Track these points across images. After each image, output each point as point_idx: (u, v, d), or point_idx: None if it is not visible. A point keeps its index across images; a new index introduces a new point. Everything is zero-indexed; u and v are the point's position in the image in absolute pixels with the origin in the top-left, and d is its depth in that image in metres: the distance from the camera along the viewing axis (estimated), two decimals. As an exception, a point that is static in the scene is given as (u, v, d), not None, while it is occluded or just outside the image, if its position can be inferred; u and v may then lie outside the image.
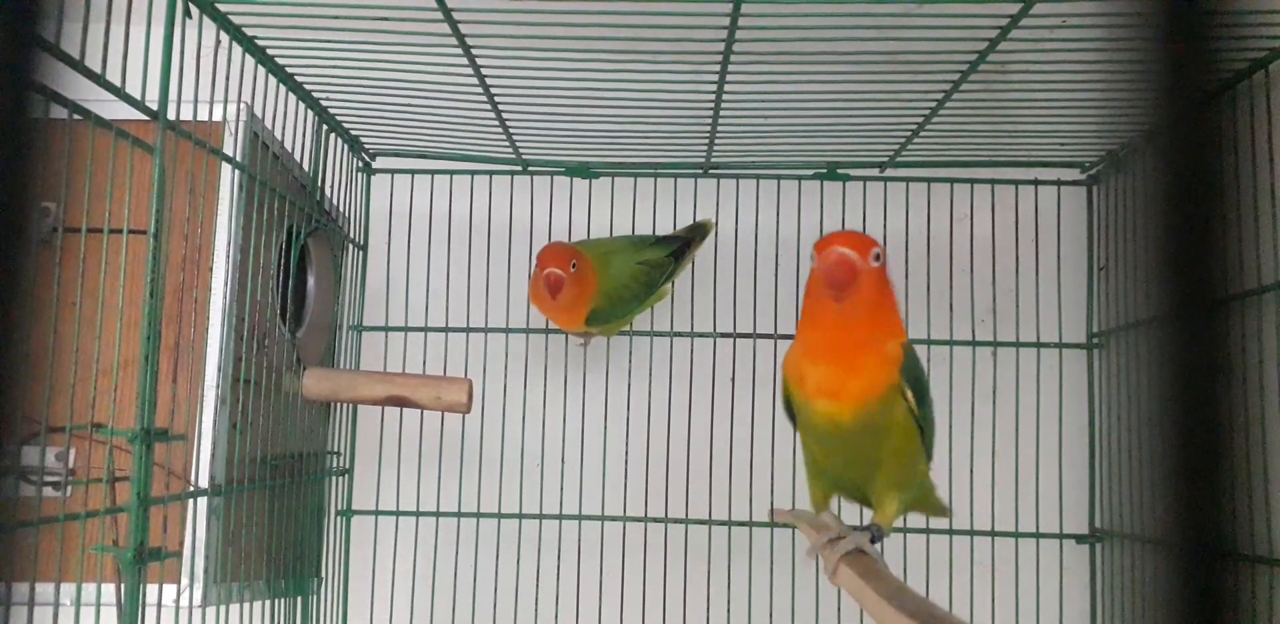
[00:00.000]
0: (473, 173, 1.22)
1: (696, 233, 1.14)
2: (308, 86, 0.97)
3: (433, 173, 1.22)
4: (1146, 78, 0.18)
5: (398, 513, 1.18)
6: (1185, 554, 0.18)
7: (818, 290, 0.69)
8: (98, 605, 0.76)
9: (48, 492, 0.80)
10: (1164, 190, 0.18)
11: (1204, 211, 0.18)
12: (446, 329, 1.20)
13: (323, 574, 1.09)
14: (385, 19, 0.78)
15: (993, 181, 1.17)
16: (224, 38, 0.81)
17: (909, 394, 0.70)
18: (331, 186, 1.09)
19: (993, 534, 1.13)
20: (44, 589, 0.73)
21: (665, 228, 1.18)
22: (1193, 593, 0.18)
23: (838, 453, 0.73)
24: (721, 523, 1.15)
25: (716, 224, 1.18)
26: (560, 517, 1.17)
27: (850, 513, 1.15)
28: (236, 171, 0.86)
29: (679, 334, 1.19)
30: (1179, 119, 0.18)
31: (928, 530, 1.13)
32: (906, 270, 1.18)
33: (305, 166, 1.03)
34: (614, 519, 1.16)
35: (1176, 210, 0.18)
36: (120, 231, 0.69)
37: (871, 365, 0.69)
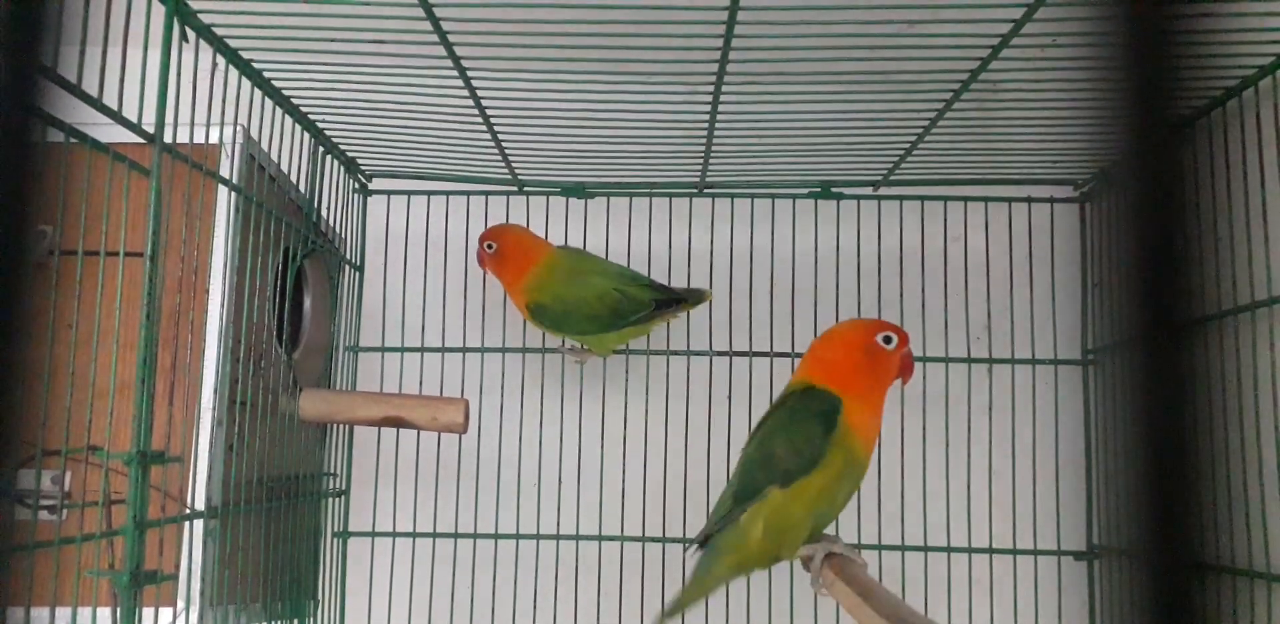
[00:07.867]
0: (468, 194, 1.22)
1: (690, 295, 1.10)
2: (304, 109, 0.97)
3: (429, 194, 1.22)
4: (1114, 107, 0.19)
5: (394, 534, 1.17)
6: (1150, 564, 0.18)
7: (887, 372, 0.86)
8: (93, 629, 0.76)
9: (43, 515, 0.79)
10: (1131, 218, 0.18)
11: (1170, 238, 0.18)
12: (443, 350, 1.21)
13: (319, 596, 1.09)
14: (381, 42, 0.79)
15: (986, 199, 1.17)
16: (220, 60, 0.81)
17: None
18: (328, 208, 1.09)
19: (990, 551, 1.13)
20: (39, 613, 0.73)
21: (660, 246, 1.19)
22: (1158, 603, 0.18)
23: (850, 486, 0.84)
24: (719, 542, 1.15)
25: (711, 243, 1.19)
26: (558, 537, 1.17)
27: (853, 522, 1.15)
28: (233, 194, 0.86)
29: (675, 353, 1.19)
30: (1145, 149, 0.18)
31: (925, 548, 1.13)
32: (902, 288, 1.18)
33: (301, 188, 1.03)
34: (611, 539, 1.16)
35: (1143, 238, 0.18)
36: (117, 254, 0.69)
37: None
